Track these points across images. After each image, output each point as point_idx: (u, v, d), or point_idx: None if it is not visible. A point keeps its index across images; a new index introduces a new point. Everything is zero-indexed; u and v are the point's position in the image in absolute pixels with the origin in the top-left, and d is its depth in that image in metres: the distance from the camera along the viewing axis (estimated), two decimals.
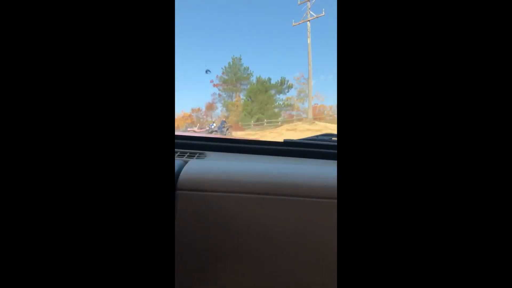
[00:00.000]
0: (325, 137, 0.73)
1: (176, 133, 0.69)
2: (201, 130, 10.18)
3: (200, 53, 28.89)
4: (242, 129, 16.41)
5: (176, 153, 0.62)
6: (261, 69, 31.16)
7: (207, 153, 0.63)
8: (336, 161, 0.55)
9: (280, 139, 0.72)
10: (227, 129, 11.18)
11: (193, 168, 0.49)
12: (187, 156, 0.62)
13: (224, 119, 10.95)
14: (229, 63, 20.19)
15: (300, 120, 15.72)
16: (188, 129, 9.95)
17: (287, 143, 0.65)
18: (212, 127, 11.06)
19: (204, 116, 22.09)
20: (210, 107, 22.41)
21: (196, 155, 0.62)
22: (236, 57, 20.08)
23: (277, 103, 18.56)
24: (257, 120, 16.62)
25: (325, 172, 0.47)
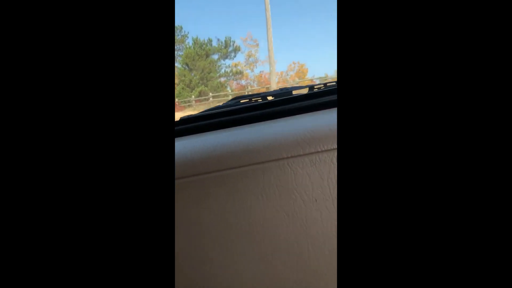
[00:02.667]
0: (230, 102, 0.68)
1: None
2: None
3: None
4: (179, 109, 12.37)
5: None
6: (199, 29, 25.70)
7: None
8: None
9: None
10: None
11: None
12: None
13: None
14: None
15: (262, 91, 12.39)
16: None
17: (184, 120, 0.57)
18: None
19: None
20: None
21: None
22: None
23: (223, 71, 14.74)
24: (200, 94, 12.66)
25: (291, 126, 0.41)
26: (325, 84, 0.67)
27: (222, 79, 14.58)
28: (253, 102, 0.62)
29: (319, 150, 0.37)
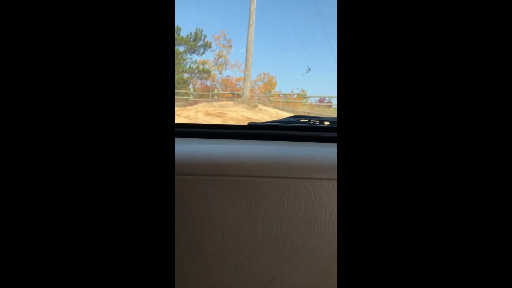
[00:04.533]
0: (292, 119, 0.73)
1: None
2: None
3: None
4: None
5: None
6: None
7: None
8: (311, 143, 0.57)
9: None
10: None
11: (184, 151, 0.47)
12: None
13: None
14: None
15: (229, 97, 10.82)
16: None
17: (252, 126, 0.64)
18: None
19: None
20: None
21: None
22: None
23: (187, 66, 12.98)
24: None
25: (318, 152, 0.46)
26: None
27: (185, 75, 12.79)
28: (311, 123, 0.71)
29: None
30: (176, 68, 11.91)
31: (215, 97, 11.34)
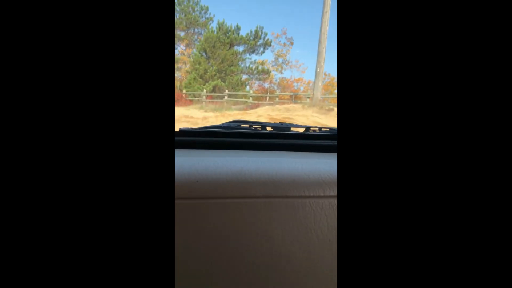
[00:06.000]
0: (232, 124, 0.68)
1: None
2: None
3: None
4: (186, 102, 9.89)
5: None
6: (227, 14, 23.31)
7: None
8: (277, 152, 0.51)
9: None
10: None
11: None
12: None
13: None
14: None
15: (297, 100, 9.63)
16: None
17: (183, 132, 0.57)
18: None
19: None
20: None
21: None
22: None
23: (247, 65, 12.28)
24: (213, 89, 10.19)
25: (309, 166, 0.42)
26: (319, 128, 0.68)
27: (244, 76, 12.11)
28: (253, 129, 0.64)
29: (321, 195, 0.38)
30: (234, 69, 11.28)
31: (276, 99, 10.32)
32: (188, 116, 6.17)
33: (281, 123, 0.71)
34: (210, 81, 10.39)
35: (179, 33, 13.18)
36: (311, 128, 0.67)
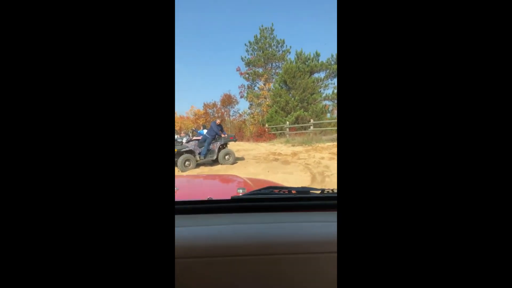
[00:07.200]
0: (266, 191, 0.75)
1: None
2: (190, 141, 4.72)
3: (220, 28, 22.18)
4: (269, 137, 9.56)
5: None
6: (302, 43, 23.30)
7: None
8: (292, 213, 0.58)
9: None
10: (223, 142, 4.80)
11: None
12: None
13: (219, 122, 4.31)
14: (255, 36, 13.54)
15: None
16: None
17: (234, 199, 0.65)
18: (192, 140, 4.59)
19: (217, 114, 15.76)
20: (228, 100, 15.99)
21: None
22: (265, 28, 13.39)
23: (330, 92, 11.46)
24: (296, 120, 9.61)
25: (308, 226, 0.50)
26: (322, 191, 0.73)
27: (327, 103, 11.25)
28: (282, 194, 0.71)
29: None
30: (316, 96, 10.57)
31: None
32: (276, 153, 5.64)
33: (303, 187, 0.74)
34: (292, 112, 9.90)
35: (258, 69, 13.56)
36: (325, 190, 0.70)
